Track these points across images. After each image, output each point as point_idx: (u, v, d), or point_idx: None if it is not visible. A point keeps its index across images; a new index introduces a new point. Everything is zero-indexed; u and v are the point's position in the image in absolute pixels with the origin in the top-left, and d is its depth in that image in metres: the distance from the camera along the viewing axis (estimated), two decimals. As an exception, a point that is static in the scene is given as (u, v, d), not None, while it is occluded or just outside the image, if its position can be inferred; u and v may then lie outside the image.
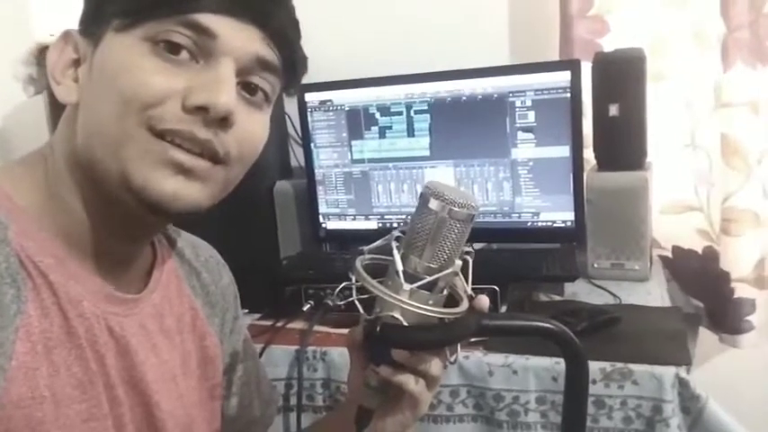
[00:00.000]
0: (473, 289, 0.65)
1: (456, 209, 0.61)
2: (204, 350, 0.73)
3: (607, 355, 0.96)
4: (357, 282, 0.62)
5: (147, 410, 0.64)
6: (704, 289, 1.44)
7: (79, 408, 0.57)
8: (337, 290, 0.64)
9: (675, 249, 1.47)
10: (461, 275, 0.63)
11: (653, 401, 0.92)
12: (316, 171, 1.45)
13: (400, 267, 0.61)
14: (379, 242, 0.64)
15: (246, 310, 1.29)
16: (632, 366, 0.94)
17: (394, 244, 0.62)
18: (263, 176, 1.47)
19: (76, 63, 0.60)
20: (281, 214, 1.46)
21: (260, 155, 1.66)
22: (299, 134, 1.49)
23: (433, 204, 0.61)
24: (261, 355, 1.10)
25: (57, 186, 0.60)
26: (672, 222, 1.46)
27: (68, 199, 0.60)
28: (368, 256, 0.66)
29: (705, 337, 1.47)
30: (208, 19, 0.55)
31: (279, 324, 1.19)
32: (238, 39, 0.57)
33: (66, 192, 0.60)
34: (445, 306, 0.63)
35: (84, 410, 0.58)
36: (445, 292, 0.64)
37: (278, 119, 1.56)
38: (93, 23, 0.59)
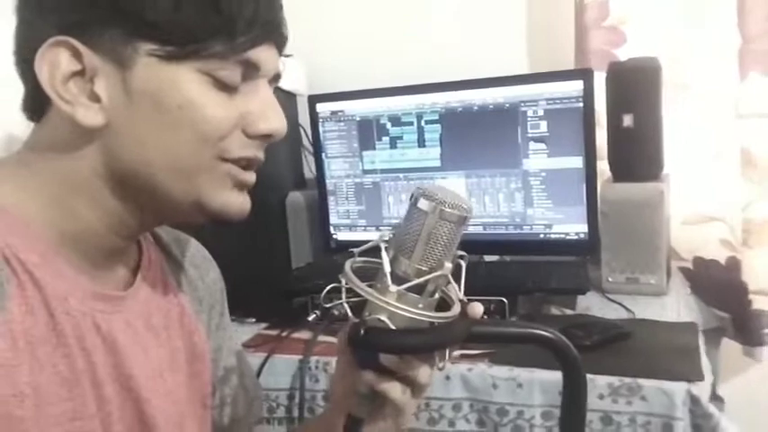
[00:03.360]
0: (474, 299, 0.63)
1: (447, 209, 0.59)
2: (192, 346, 0.72)
3: (615, 369, 0.93)
4: (346, 284, 0.61)
5: (138, 408, 0.63)
6: (727, 300, 1.40)
7: (64, 406, 0.56)
8: (324, 291, 0.63)
9: (696, 260, 1.43)
10: (452, 280, 0.61)
11: (662, 418, 0.88)
12: (327, 182, 1.45)
13: (388, 269, 0.59)
14: (369, 244, 0.63)
15: (254, 319, 1.29)
16: (641, 381, 0.90)
17: (382, 245, 0.60)
18: (276, 187, 1.47)
19: (78, 74, 0.55)
20: (293, 225, 1.46)
21: (273, 166, 1.65)
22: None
23: (423, 204, 0.59)
24: (264, 364, 1.09)
25: (63, 194, 0.59)
26: (694, 233, 1.43)
27: (78, 206, 0.59)
28: (360, 259, 0.64)
29: (733, 349, 1.44)
30: (255, 54, 0.58)
31: (284, 334, 1.17)
32: (270, 62, 0.61)
33: (79, 200, 0.59)
34: (439, 312, 0.62)
35: (69, 409, 0.57)
36: (437, 296, 0.62)
37: (292, 130, 1.56)
38: (106, 38, 0.55)
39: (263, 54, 0.59)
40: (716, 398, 1.33)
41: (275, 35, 0.61)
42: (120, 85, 0.56)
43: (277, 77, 0.63)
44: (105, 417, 0.60)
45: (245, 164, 0.61)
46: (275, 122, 0.61)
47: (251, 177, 0.63)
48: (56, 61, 0.55)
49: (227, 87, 0.58)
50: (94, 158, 0.58)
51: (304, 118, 1.50)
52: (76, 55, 0.55)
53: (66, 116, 0.56)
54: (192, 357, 0.72)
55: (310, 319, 1.15)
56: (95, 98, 0.56)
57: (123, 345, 0.62)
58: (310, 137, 1.48)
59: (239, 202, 0.62)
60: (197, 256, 0.79)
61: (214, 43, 0.56)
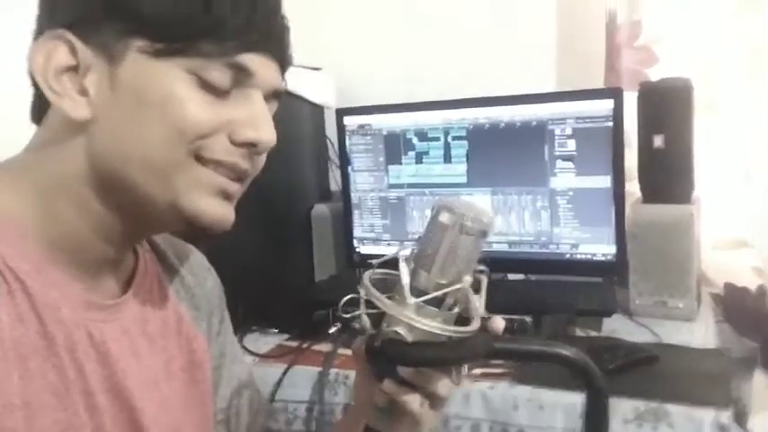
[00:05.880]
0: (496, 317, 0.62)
1: (467, 223, 0.58)
2: (192, 354, 0.72)
3: (641, 393, 0.90)
4: (365, 295, 0.60)
5: (132, 417, 0.62)
6: (758, 329, 1.35)
7: (55, 416, 0.56)
8: (342, 302, 0.63)
9: (727, 287, 1.39)
10: (471, 294, 0.60)
11: (689, 446, 0.86)
12: (352, 195, 1.45)
13: (406, 280, 0.58)
14: (389, 255, 0.62)
15: (276, 330, 1.29)
16: (668, 407, 0.88)
17: (401, 256, 0.60)
18: (301, 199, 1.48)
19: (72, 69, 0.56)
20: (317, 238, 1.47)
21: (299, 178, 1.64)
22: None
23: (444, 218, 0.58)
24: (284, 375, 1.09)
25: (51, 197, 0.58)
26: (725, 259, 1.39)
27: (65, 210, 0.59)
28: (380, 271, 0.64)
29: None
30: (248, 59, 0.58)
31: (304, 346, 1.17)
32: (266, 74, 0.60)
33: (66, 203, 0.59)
34: (460, 326, 0.61)
35: (61, 419, 0.56)
36: (456, 310, 0.61)
37: (319, 143, 1.57)
38: (101, 33, 0.56)
39: (257, 62, 0.58)
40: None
41: (272, 47, 0.60)
42: (108, 80, 0.56)
43: (277, 95, 0.62)
44: (97, 427, 0.59)
45: (232, 174, 0.60)
46: (263, 133, 0.60)
47: (233, 187, 0.61)
48: (52, 53, 0.56)
49: (214, 90, 0.57)
50: (79, 157, 0.58)
51: (331, 131, 1.50)
52: (73, 51, 0.56)
53: (56, 110, 0.57)
54: (191, 365, 0.72)
55: (331, 331, 1.15)
56: (84, 92, 0.56)
57: (116, 354, 0.62)
58: (337, 150, 1.49)
59: (219, 212, 0.60)
60: (195, 264, 0.78)
61: (203, 43, 0.56)
